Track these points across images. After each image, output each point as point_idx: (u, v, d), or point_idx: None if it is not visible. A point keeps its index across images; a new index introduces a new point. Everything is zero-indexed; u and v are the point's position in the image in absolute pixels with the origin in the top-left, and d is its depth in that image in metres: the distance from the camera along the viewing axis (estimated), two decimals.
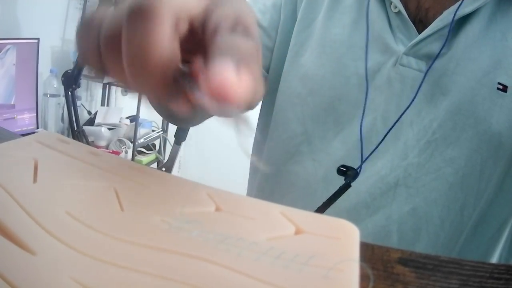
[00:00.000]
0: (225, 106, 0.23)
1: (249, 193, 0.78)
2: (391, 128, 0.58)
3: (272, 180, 0.70)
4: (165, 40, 0.25)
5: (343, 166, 0.59)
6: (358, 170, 0.58)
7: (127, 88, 0.30)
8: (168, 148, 2.47)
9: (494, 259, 0.62)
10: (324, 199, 0.59)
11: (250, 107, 0.29)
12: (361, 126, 0.59)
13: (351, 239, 0.26)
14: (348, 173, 0.58)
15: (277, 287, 0.20)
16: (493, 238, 0.61)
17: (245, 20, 0.28)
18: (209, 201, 0.27)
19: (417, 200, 0.59)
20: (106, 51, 0.28)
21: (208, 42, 0.27)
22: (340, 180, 0.59)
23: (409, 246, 0.59)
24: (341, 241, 0.25)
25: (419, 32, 0.58)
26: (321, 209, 0.58)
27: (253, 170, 0.78)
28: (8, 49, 1.70)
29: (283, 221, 0.26)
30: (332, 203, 0.58)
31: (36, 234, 0.21)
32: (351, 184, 0.58)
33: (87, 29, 0.29)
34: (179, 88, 0.26)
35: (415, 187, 0.59)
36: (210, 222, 0.25)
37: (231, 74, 0.24)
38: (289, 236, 0.25)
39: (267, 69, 0.69)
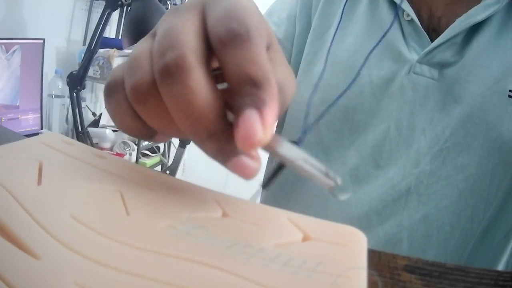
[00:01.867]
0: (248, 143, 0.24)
1: (263, 201, 0.78)
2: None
3: (287, 188, 0.69)
4: (206, 88, 0.25)
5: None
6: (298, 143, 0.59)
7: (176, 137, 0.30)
8: (173, 150, 2.47)
9: (501, 265, 0.62)
10: (335, 207, 0.60)
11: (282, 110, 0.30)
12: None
13: (359, 246, 0.25)
14: None
15: None
16: (500, 245, 0.61)
17: (272, 36, 0.29)
18: (216, 206, 0.27)
19: (428, 208, 0.59)
20: (148, 113, 0.27)
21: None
22: (351, 188, 0.60)
23: (419, 253, 0.59)
24: (348, 248, 0.25)
25: (432, 40, 0.58)
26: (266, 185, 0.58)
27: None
28: (15, 50, 1.70)
29: (290, 228, 0.26)
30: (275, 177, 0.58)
31: (40, 237, 0.21)
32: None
33: (116, 94, 0.29)
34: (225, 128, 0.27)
35: (426, 194, 0.59)
36: (217, 228, 0.24)
37: (256, 125, 0.24)
38: (296, 242, 0.24)
39: None
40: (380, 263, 0.31)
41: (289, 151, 0.26)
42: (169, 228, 0.23)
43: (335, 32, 0.62)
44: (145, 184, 0.28)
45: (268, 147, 0.26)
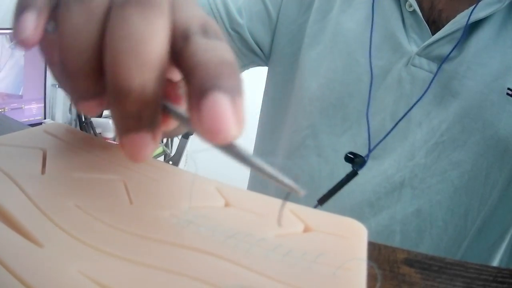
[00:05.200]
0: (219, 141, 0.20)
1: (250, 185, 0.78)
2: (399, 121, 0.57)
3: None
4: (165, 35, 0.23)
5: (350, 153, 0.58)
6: (366, 158, 0.58)
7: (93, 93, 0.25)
8: (175, 141, 2.47)
9: (495, 265, 0.62)
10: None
11: None
12: (367, 114, 0.58)
13: (359, 238, 0.26)
14: (356, 161, 0.58)
15: (286, 284, 0.20)
16: (495, 245, 0.61)
17: (213, 23, 0.25)
18: (218, 196, 0.27)
19: (422, 202, 0.59)
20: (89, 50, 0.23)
21: (181, 50, 0.23)
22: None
23: (411, 247, 0.59)
24: (349, 240, 0.25)
25: (432, 32, 0.57)
26: (325, 198, 0.58)
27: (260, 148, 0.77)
28: None
29: (292, 218, 0.26)
30: (337, 192, 0.58)
31: (43, 226, 0.21)
32: (358, 172, 0.58)
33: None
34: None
35: (420, 188, 0.59)
36: (219, 217, 0.24)
37: (227, 109, 0.20)
38: (297, 233, 0.25)
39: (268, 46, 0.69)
40: (379, 256, 0.31)
41: (244, 149, 0.22)
42: (172, 217, 0.24)
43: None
44: (148, 174, 0.28)
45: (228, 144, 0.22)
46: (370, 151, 0.58)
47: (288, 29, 0.67)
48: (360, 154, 0.59)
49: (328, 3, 0.64)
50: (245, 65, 0.73)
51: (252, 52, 0.70)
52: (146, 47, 0.21)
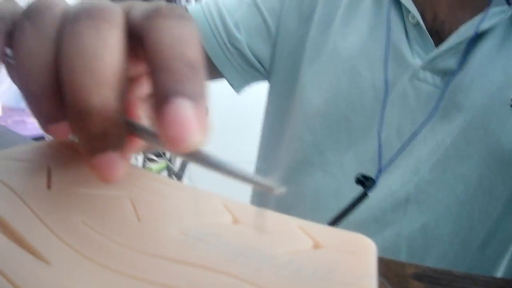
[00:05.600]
0: (181, 148, 0.19)
1: (253, 201, 0.77)
2: (407, 141, 0.57)
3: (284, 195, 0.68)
4: (119, 47, 0.22)
5: (362, 176, 0.58)
6: (376, 180, 0.58)
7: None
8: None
9: (499, 276, 0.61)
10: (334, 213, 0.59)
11: None
12: (379, 135, 0.58)
13: (369, 254, 0.25)
14: (367, 184, 0.57)
15: None
16: (499, 256, 0.61)
17: (172, 6, 0.23)
18: (226, 212, 0.27)
19: (427, 217, 0.58)
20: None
21: (142, 39, 0.22)
22: (353, 195, 0.58)
23: (417, 262, 0.59)
24: (358, 256, 0.25)
25: (435, 44, 0.57)
26: (336, 220, 0.57)
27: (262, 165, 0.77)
28: None
29: (300, 235, 0.25)
30: (348, 214, 0.57)
31: (50, 243, 0.21)
32: (368, 194, 0.57)
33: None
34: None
35: (426, 203, 0.58)
36: (227, 234, 0.24)
37: (190, 116, 0.19)
38: (307, 250, 0.24)
39: (268, 58, 0.68)
40: (388, 271, 0.31)
41: (213, 155, 0.21)
42: (180, 234, 0.23)
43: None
44: (154, 190, 0.28)
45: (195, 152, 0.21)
46: (380, 172, 0.58)
47: (288, 41, 0.67)
48: (367, 169, 0.59)
49: (328, 15, 0.64)
50: (247, 81, 0.71)
51: (253, 68, 0.69)
52: (100, 63, 0.21)
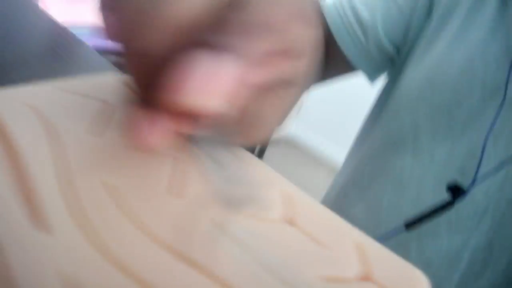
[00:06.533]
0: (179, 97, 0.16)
1: (342, 171, 0.75)
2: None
3: (368, 164, 0.66)
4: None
5: (454, 185, 0.54)
6: (467, 192, 0.53)
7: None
8: None
9: None
10: (411, 201, 0.57)
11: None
12: (485, 142, 0.52)
13: None
14: (457, 193, 0.53)
15: None
16: None
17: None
18: (279, 205, 0.23)
19: (496, 235, 0.56)
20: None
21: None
22: (434, 191, 0.56)
23: (470, 279, 0.57)
24: None
25: None
26: (414, 224, 0.54)
27: (354, 149, 0.74)
28: None
29: (352, 258, 0.22)
30: (428, 220, 0.54)
31: (58, 211, 0.18)
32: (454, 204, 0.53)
33: None
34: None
35: (500, 222, 0.55)
36: (268, 239, 0.20)
37: (218, 70, 0.16)
38: (351, 280, 0.20)
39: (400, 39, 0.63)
40: None
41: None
42: (211, 225, 0.20)
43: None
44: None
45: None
46: (473, 183, 0.52)
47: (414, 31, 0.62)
48: (456, 169, 0.56)
49: (449, 10, 0.59)
50: (380, 70, 0.67)
51: (387, 56, 0.65)
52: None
